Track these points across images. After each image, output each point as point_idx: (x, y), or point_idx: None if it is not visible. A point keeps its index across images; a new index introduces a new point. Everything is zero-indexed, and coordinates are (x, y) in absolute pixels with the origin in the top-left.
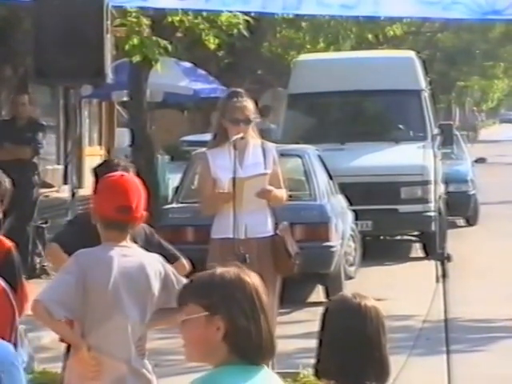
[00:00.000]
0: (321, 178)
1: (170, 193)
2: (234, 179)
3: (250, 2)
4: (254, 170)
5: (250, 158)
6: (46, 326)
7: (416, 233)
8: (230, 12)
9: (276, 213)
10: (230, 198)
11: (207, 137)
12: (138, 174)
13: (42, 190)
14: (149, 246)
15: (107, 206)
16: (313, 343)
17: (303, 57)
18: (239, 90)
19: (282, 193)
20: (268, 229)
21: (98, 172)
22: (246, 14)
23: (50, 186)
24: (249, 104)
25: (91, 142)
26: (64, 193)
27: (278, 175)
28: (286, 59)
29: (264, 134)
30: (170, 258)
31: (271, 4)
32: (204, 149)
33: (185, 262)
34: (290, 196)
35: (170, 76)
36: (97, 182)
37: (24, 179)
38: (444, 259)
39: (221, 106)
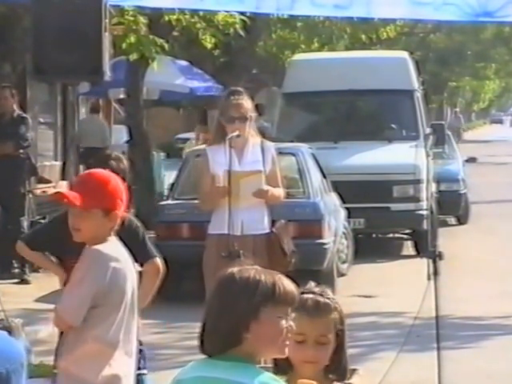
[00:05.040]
0: (314, 176)
1: (166, 189)
2: (229, 173)
3: (244, 2)
4: (251, 167)
5: (248, 156)
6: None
7: (408, 231)
8: (227, 12)
9: (270, 210)
10: (226, 193)
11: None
12: (131, 166)
13: (40, 186)
14: (125, 236)
15: (121, 205)
16: None
17: (298, 56)
18: (238, 88)
19: (279, 192)
20: (264, 226)
21: (95, 166)
22: (242, 13)
23: (47, 181)
24: (245, 102)
25: None
26: (61, 189)
27: (276, 174)
28: (280, 59)
29: (260, 132)
30: (144, 256)
31: (265, 4)
32: (203, 146)
33: (158, 262)
34: (288, 194)
35: (167, 74)
36: None
37: (11, 174)
38: (435, 257)
39: (219, 104)
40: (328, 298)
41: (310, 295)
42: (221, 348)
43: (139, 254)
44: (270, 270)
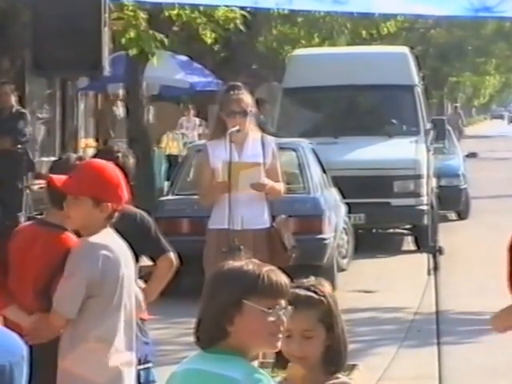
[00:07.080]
0: (314, 172)
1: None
2: (229, 166)
3: None
4: (251, 160)
5: (248, 150)
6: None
7: (408, 226)
8: (227, 6)
9: (271, 205)
10: (227, 188)
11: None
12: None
13: (37, 182)
14: (137, 232)
15: (122, 198)
16: None
17: (298, 51)
18: (238, 83)
19: (279, 186)
20: (264, 221)
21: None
22: (243, 8)
23: (45, 177)
24: (245, 97)
25: (87, 134)
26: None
27: (276, 168)
28: (280, 54)
29: (260, 127)
30: (158, 251)
31: None
32: (203, 141)
33: (172, 256)
34: (288, 189)
35: (166, 69)
36: None
37: (9, 169)
38: (436, 252)
39: (219, 99)
40: (315, 292)
41: (296, 290)
42: (209, 341)
43: (152, 250)
44: (264, 264)
